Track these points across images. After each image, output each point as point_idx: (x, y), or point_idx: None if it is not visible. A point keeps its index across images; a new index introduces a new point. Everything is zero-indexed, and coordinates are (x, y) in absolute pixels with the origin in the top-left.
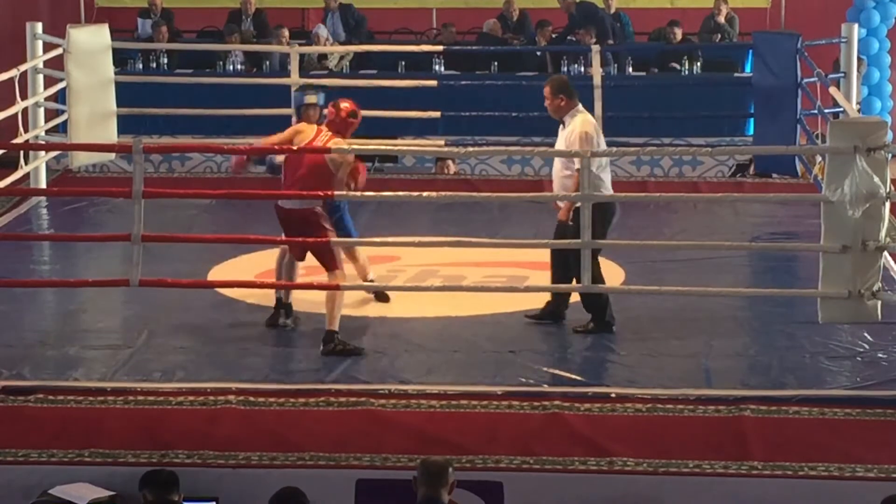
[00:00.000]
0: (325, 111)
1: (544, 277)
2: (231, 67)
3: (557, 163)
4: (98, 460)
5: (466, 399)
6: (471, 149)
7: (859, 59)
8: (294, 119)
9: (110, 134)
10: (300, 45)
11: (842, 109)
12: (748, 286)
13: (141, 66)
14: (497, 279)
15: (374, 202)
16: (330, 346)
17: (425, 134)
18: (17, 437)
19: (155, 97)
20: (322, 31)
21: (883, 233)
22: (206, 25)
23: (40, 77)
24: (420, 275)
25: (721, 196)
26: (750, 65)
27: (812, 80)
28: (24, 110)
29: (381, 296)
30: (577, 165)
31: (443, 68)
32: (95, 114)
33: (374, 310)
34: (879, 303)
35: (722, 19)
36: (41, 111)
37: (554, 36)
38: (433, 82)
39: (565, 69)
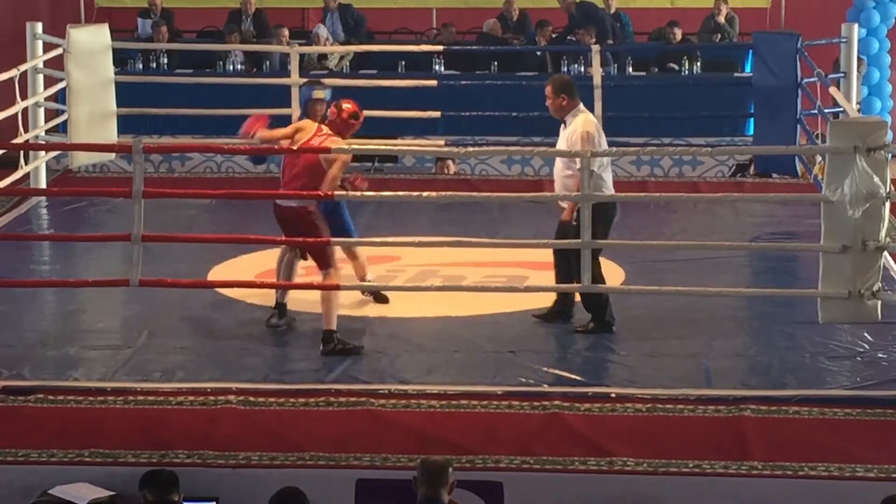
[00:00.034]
0: (329, 111)
1: (544, 277)
2: (231, 67)
3: (559, 163)
4: (98, 460)
5: (466, 399)
6: (471, 149)
7: (859, 59)
8: (297, 115)
9: (110, 134)
10: (300, 45)
11: (842, 109)
12: (748, 286)
13: (141, 66)
14: (497, 279)
15: (374, 202)
16: (330, 345)
17: (425, 134)
18: (17, 437)
19: (155, 97)
20: (322, 31)
21: (883, 233)
22: (206, 25)
23: (40, 77)
24: (420, 275)
25: (721, 196)
26: (750, 65)
27: (812, 80)
28: (24, 110)
29: (379, 297)
30: (578, 165)
31: (443, 68)
32: (95, 114)
33: (374, 310)
34: (879, 303)
35: (722, 19)
36: (41, 111)
37: (554, 36)
38: (433, 82)
39: (565, 69)
